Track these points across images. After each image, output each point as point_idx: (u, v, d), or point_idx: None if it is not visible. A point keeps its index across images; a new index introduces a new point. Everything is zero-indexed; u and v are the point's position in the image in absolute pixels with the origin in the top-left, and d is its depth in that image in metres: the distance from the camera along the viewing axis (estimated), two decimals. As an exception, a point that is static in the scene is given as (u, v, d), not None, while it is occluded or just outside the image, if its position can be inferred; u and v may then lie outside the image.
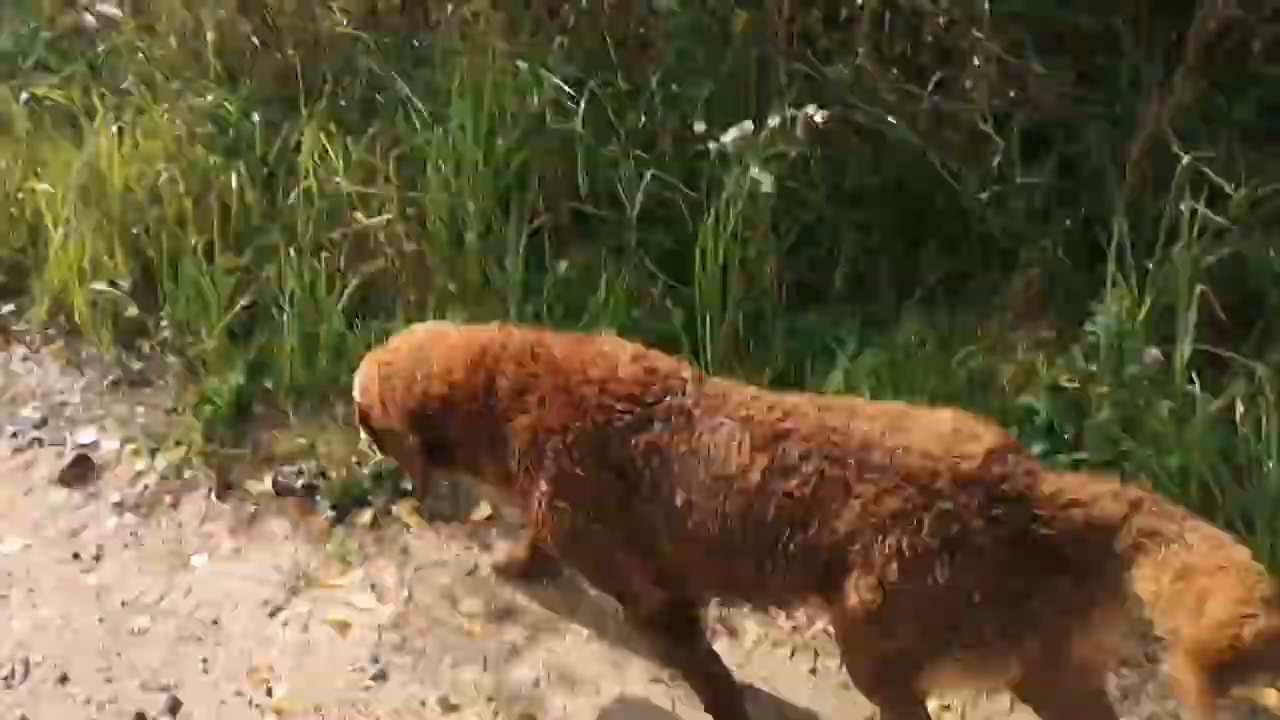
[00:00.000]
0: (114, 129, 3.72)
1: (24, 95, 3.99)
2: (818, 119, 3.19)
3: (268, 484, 3.25)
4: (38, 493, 3.29)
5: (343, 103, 3.92)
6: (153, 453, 3.37)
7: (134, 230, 3.70)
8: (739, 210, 3.20)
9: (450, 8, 4.16)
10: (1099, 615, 1.96)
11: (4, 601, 2.97)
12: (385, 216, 3.49)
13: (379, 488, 3.20)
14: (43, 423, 3.51)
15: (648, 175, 3.44)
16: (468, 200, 3.52)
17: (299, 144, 3.63)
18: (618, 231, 3.52)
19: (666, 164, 3.52)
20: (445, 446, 2.45)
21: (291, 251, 3.52)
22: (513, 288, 3.43)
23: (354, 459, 3.25)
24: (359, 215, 3.49)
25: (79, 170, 3.66)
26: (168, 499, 3.25)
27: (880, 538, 1.99)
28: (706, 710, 2.48)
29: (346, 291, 3.48)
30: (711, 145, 3.27)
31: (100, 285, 3.60)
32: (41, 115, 4.01)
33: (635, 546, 2.31)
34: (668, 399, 2.26)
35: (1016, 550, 1.94)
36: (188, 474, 3.31)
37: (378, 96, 3.90)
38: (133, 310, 3.63)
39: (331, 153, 3.57)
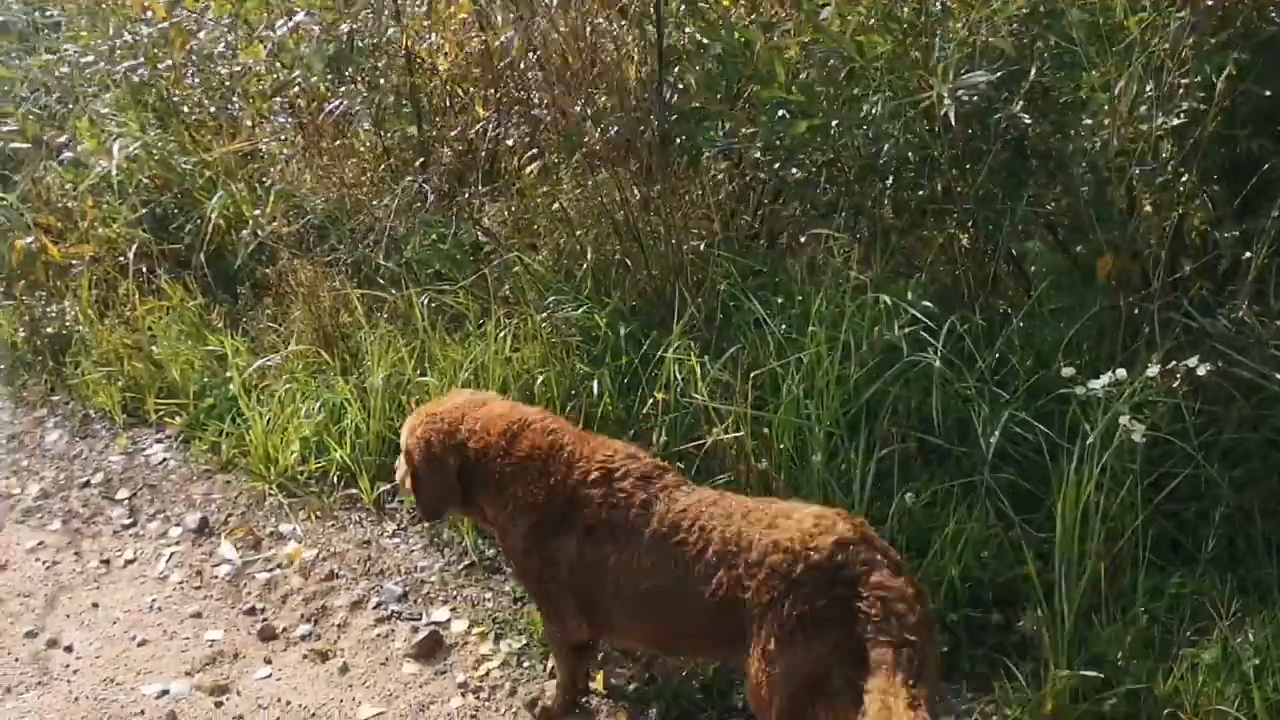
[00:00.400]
0: (499, 334, 4.08)
1: (424, 299, 4.46)
2: (1200, 371, 3.05)
3: (599, 683, 3.32)
4: (393, 664, 3.51)
5: (699, 321, 4.15)
6: (497, 638, 3.54)
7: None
8: (1105, 459, 3.08)
9: (803, 238, 4.39)
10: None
11: (355, 764, 3.16)
12: (737, 433, 3.59)
13: (710, 704, 3.19)
14: (404, 597, 3.77)
15: (1005, 413, 3.40)
16: (816, 423, 3.58)
17: (660, 357, 3.84)
18: (966, 467, 3.47)
19: (1022, 404, 3.47)
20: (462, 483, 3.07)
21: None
22: (856, 512, 3.41)
23: (687, 672, 3.27)
24: (714, 430, 3.61)
25: (465, 366, 4.03)
26: (508, 685, 3.37)
27: (760, 619, 2.55)
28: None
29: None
30: (1078, 390, 3.19)
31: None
32: (436, 318, 4.46)
33: (580, 596, 2.95)
34: (631, 510, 2.83)
35: (852, 618, 2.44)
36: (527, 663, 3.44)
37: (731, 319, 4.10)
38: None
39: (691, 367, 3.75)
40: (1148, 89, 3.29)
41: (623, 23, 4.73)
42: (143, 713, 3.38)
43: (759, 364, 3.77)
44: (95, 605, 3.88)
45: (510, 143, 5.32)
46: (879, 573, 2.50)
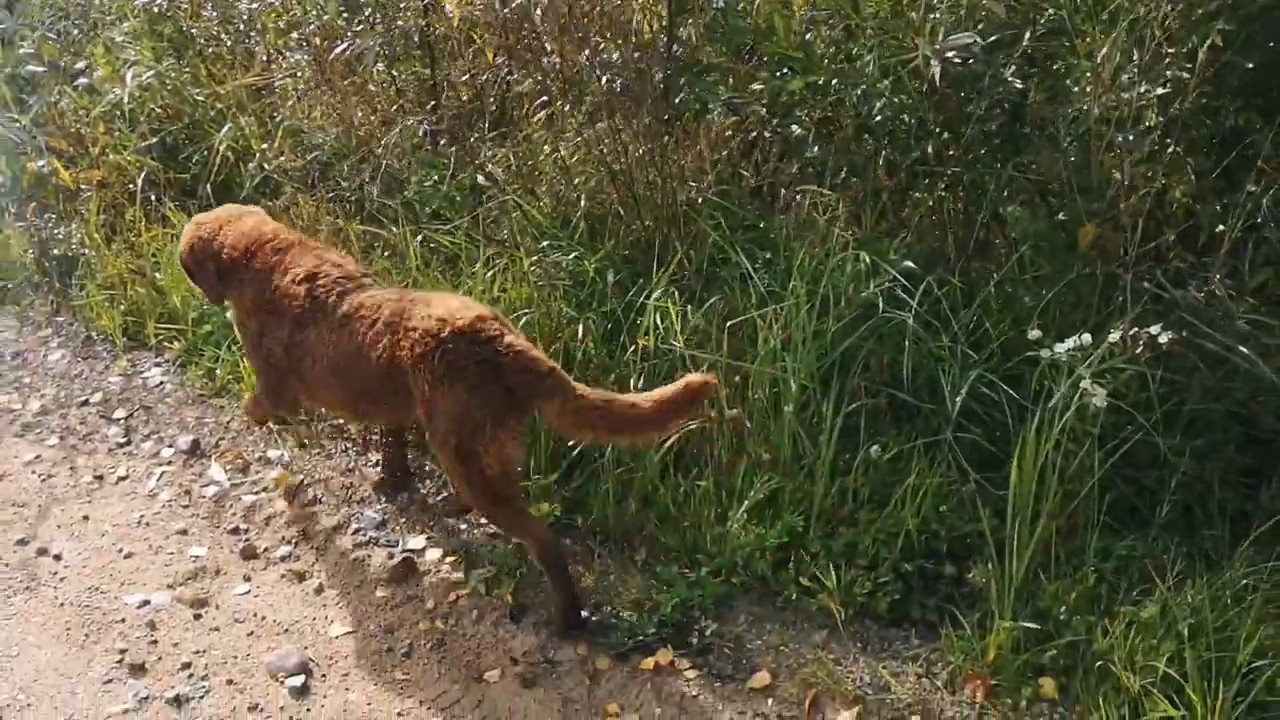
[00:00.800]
0: (487, 274, 4.16)
1: (419, 237, 4.53)
2: (1162, 339, 3.10)
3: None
4: (366, 588, 3.63)
5: (688, 273, 4.20)
6: (469, 568, 3.64)
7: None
8: (1065, 421, 3.14)
9: (799, 195, 4.43)
10: (517, 420, 3.22)
11: (321, 681, 3.28)
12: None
13: (665, 639, 3.29)
14: (382, 524, 3.88)
15: (973, 374, 3.47)
16: (790, 375, 3.65)
17: (643, 304, 3.90)
18: (934, 425, 3.53)
19: (993, 365, 3.53)
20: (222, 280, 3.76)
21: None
22: (821, 463, 3.49)
23: (646, 606, 3.37)
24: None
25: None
26: (475, 612, 3.48)
27: (415, 374, 3.24)
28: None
29: (664, 445, 3.66)
30: (1043, 353, 3.25)
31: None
32: (430, 256, 4.54)
33: (292, 371, 3.63)
34: (327, 300, 3.51)
35: (487, 374, 3.16)
36: (495, 592, 3.55)
37: (719, 272, 4.16)
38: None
39: (672, 316, 3.82)
40: (1133, 58, 3.31)
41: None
42: (124, 620, 3.51)
43: (740, 315, 3.83)
44: (86, 518, 4.00)
45: (521, 90, 5.36)
46: (511, 335, 3.26)
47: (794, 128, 4.35)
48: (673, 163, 4.51)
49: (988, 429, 3.49)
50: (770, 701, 3.12)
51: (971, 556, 3.29)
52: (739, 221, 4.30)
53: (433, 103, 5.34)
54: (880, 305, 3.65)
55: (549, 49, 5.07)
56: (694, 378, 3.19)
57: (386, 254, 4.70)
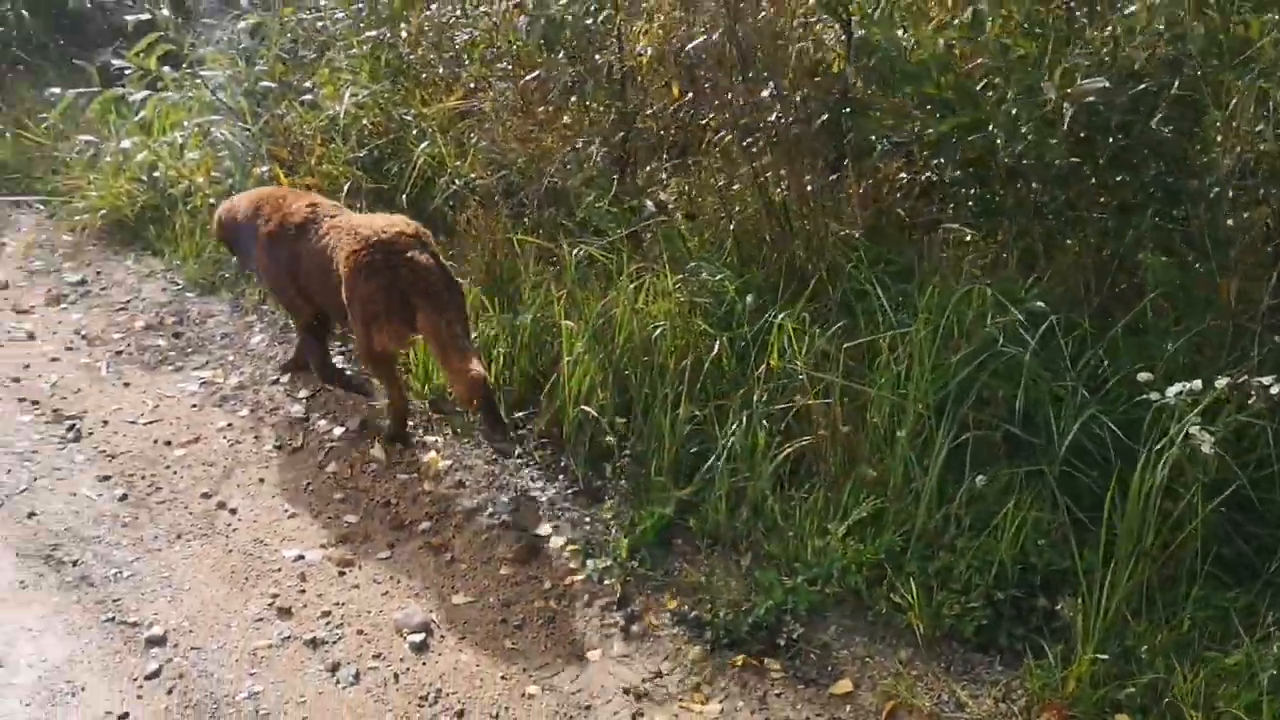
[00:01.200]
0: (632, 288, 4.44)
1: (577, 251, 4.86)
2: (1274, 390, 3.07)
3: (669, 607, 3.65)
4: (493, 564, 3.94)
5: (831, 302, 4.36)
6: (587, 557, 3.91)
7: (626, 371, 4.35)
8: (1168, 463, 3.14)
9: (940, 234, 4.52)
10: (403, 315, 4.26)
11: (439, 640, 3.60)
12: (830, 400, 3.82)
13: (757, 639, 3.46)
14: (515, 510, 4.20)
15: (1086, 414, 3.50)
16: (909, 402, 3.77)
17: (776, 326, 4.09)
18: (1042, 460, 3.57)
19: (1109, 407, 3.54)
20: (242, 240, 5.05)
21: (745, 417, 3.97)
22: (926, 489, 3.59)
23: (743, 607, 3.54)
24: (810, 399, 3.86)
25: (596, 315, 4.41)
26: (586, 596, 3.74)
27: (340, 270, 4.38)
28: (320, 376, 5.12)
29: (778, 458, 3.84)
30: (1153, 395, 3.26)
31: (589, 409, 4.27)
32: (588, 270, 4.87)
33: (293, 282, 4.79)
34: (311, 223, 4.70)
35: (390, 275, 4.25)
36: (606, 581, 3.79)
37: (856, 304, 4.30)
38: (608, 436, 4.24)
39: (797, 342, 3.99)
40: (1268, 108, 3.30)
41: (817, 18, 4.96)
42: (280, 570, 3.94)
43: (865, 343, 3.97)
44: (262, 480, 4.50)
45: (702, 123, 5.64)
46: (421, 255, 4.30)
47: (945, 166, 4.46)
48: (832, 198, 4.69)
49: (1098, 469, 3.51)
50: (849, 708, 3.24)
51: (1064, 591, 3.32)
52: (882, 255, 4.44)
53: (621, 133, 5.66)
54: (1000, 340, 3.72)
55: (732, 84, 5.33)
56: (476, 371, 4.10)
57: (551, 264, 5.05)
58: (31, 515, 4.24)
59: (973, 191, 4.55)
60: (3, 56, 9.56)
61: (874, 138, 4.68)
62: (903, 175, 4.90)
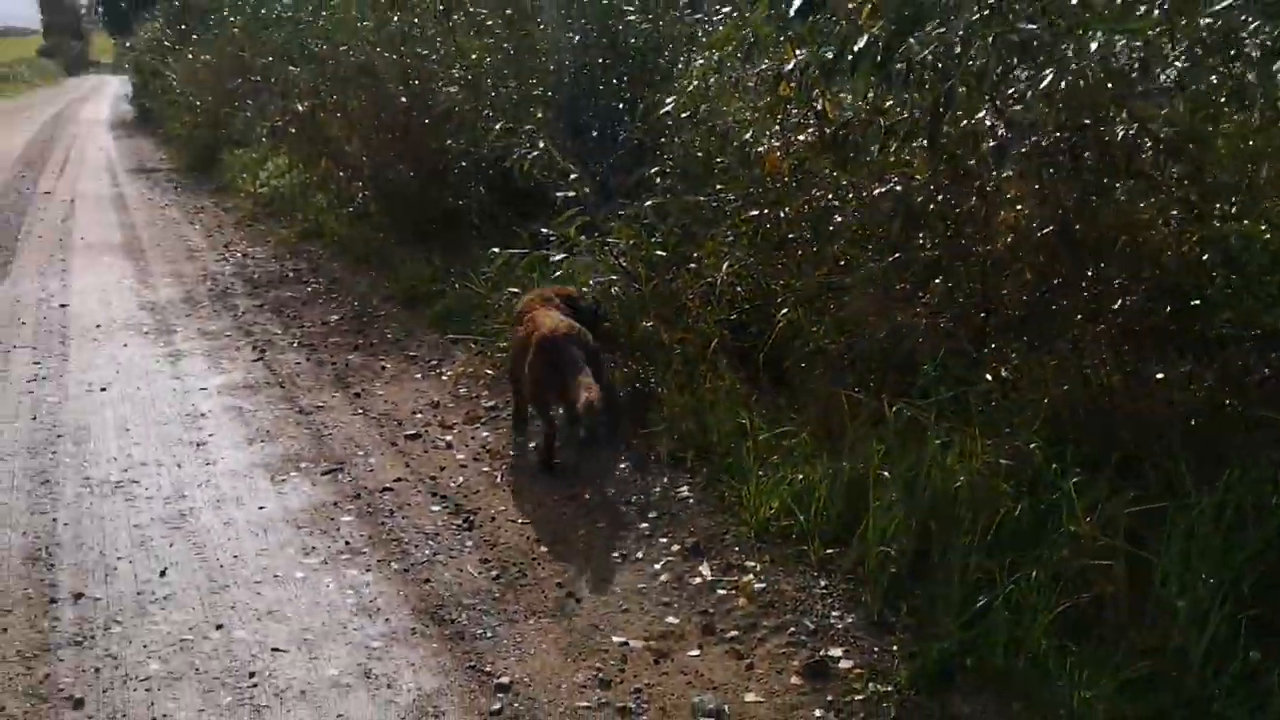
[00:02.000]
0: (936, 442, 4.89)
1: (896, 408, 5.37)
2: None
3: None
4: (784, 675, 4.44)
5: (1151, 480, 4.51)
6: (869, 680, 4.31)
7: (929, 522, 4.77)
8: None
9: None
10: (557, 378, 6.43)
11: None
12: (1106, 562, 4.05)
13: None
14: (814, 633, 4.68)
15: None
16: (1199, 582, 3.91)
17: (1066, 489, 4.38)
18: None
19: None
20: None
21: (1035, 573, 4.26)
22: (1197, 655, 3.71)
23: None
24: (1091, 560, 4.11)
25: (907, 468, 4.88)
26: (862, 713, 4.15)
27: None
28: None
29: (1056, 610, 4.09)
30: None
31: (889, 549, 4.71)
32: (907, 428, 5.34)
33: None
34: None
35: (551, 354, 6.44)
36: (885, 705, 4.18)
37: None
38: (903, 577, 4.65)
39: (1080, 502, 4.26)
40: None
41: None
42: (606, 650, 4.67)
43: (1162, 515, 4.16)
44: (605, 580, 5.30)
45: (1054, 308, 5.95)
46: (573, 342, 6.48)
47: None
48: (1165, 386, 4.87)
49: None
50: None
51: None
52: (1203, 444, 4.57)
53: (983, 314, 6.06)
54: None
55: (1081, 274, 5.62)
56: (591, 394, 6.07)
57: (873, 422, 5.57)
58: (427, 581, 5.29)
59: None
60: (465, 224, 11.61)
61: (1225, 330, 4.80)
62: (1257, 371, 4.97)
